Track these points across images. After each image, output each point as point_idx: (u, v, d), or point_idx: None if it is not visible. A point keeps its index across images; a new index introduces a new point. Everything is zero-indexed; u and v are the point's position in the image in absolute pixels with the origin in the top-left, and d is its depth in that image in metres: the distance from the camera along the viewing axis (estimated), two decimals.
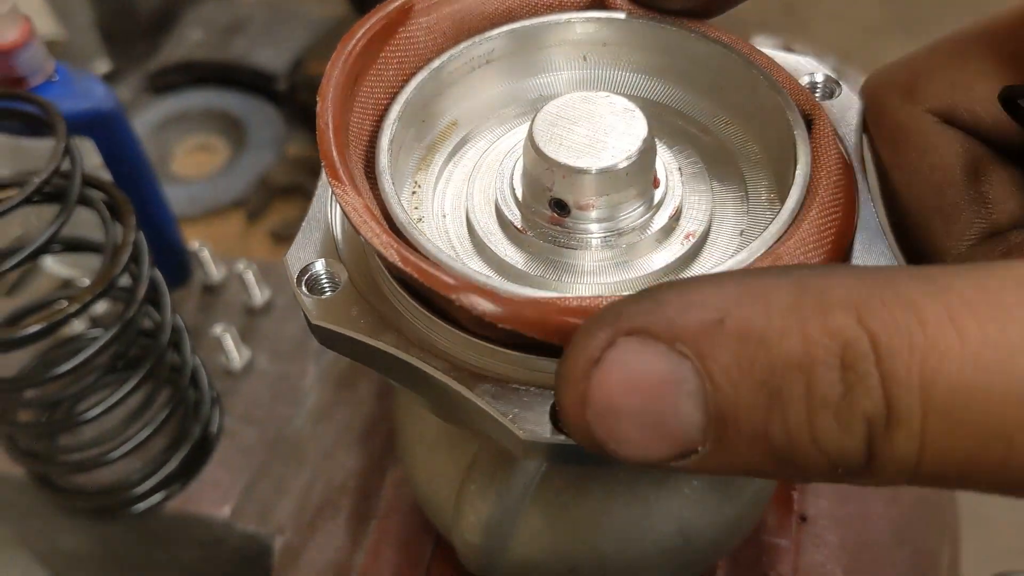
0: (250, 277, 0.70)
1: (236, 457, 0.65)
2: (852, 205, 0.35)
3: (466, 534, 0.41)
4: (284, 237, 1.01)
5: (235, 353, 0.68)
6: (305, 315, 0.35)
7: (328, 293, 0.35)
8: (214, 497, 0.63)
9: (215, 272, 0.72)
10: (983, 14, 0.37)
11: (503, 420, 0.32)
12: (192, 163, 1.11)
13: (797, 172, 0.35)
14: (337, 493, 0.56)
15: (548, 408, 0.32)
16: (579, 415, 0.26)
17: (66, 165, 0.53)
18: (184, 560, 0.69)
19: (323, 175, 0.38)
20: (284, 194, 1.06)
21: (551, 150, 0.35)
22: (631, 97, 0.41)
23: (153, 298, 0.59)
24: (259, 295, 0.71)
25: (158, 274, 0.59)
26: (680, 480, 0.42)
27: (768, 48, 0.41)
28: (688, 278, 0.27)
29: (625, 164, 0.35)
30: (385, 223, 0.34)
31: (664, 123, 0.41)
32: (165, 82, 1.18)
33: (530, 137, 0.36)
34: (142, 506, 0.63)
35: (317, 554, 0.54)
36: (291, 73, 1.11)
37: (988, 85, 0.36)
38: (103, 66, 1.20)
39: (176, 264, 0.71)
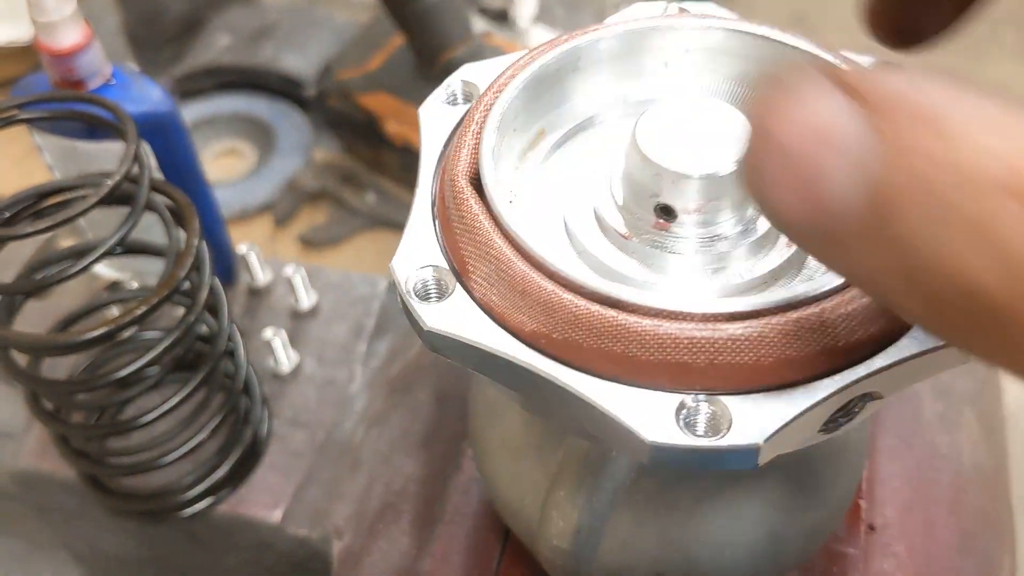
0: (298, 281, 0.70)
1: (286, 461, 0.65)
2: None
3: (555, 540, 0.41)
4: (312, 242, 1.01)
5: (284, 357, 0.68)
6: (416, 322, 0.35)
7: (436, 299, 0.35)
8: (264, 501, 0.63)
9: (261, 275, 0.72)
10: (993, 24, 0.37)
11: (628, 425, 0.32)
12: (220, 168, 1.11)
13: None
14: (398, 498, 0.55)
15: (674, 412, 0.32)
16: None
17: (134, 169, 0.53)
18: (227, 564, 0.68)
19: (420, 181, 0.39)
20: (312, 199, 1.06)
21: (657, 155, 0.36)
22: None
23: (212, 304, 0.59)
24: (306, 299, 0.71)
25: (217, 281, 0.59)
26: (769, 484, 0.42)
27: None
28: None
29: (731, 169, 0.36)
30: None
31: None
32: (192, 87, 1.18)
33: (634, 142, 0.36)
34: (191, 510, 0.63)
35: (380, 559, 0.54)
36: (319, 79, 1.11)
37: None
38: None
39: (224, 267, 0.71)
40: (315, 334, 0.70)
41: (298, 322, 0.71)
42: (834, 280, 0.33)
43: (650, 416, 0.32)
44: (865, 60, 0.42)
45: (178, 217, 0.56)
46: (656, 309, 0.32)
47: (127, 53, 1.22)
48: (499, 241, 0.34)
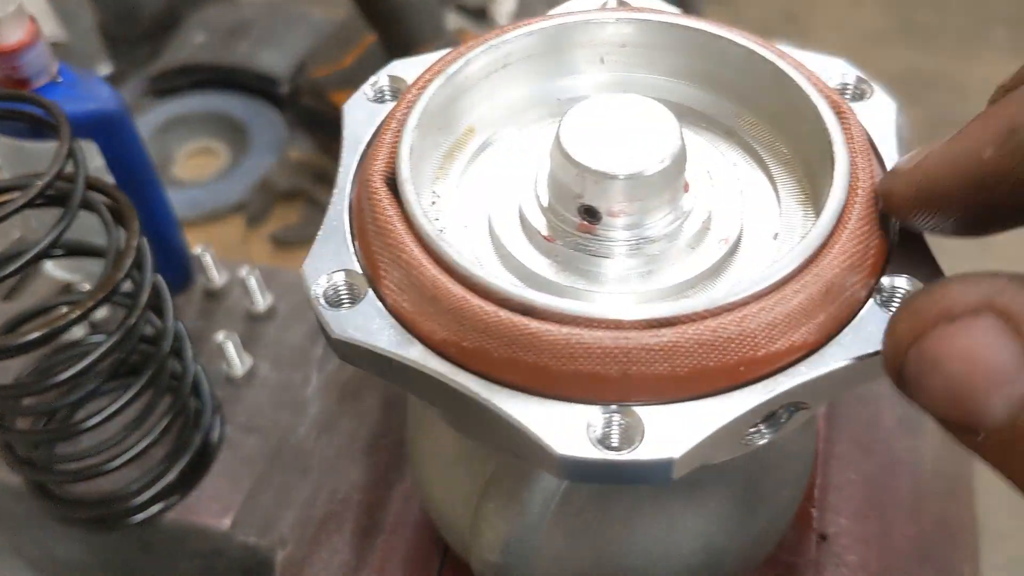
0: (252, 283, 0.69)
1: (237, 467, 0.63)
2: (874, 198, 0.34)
3: (485, 553, 0.40)
4: (285, 242, 1.00)
5: (237, 361, 0.66)
6: (324, 330, 0.33)
7: (347, 306, 0.34)
8: (214, 508, 0.62)
9: (217, 277, 0.71)
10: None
11: (540, 437, 0.30)
12: (193, 167, 1.09)
13: (836, 173, 0.34)
14: (342, 506, 0.54)
15: (585, 425, 0.30)
16: (901, 347, 0.26)
17: (69, 168, 0.51)
18: (181, 570, 0.67)
19: (338, 182, 0.37)
20: (285, 198, 1.04)
21: (581, 155, 0.34)
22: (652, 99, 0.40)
23: (155, 304, 0.57)
24: (261, 301, 0.70)
25: (160, 280, 0.58)
26: (706, 495, 0.41)
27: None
28: None
29: (658, 169, 0.34)
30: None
31: (689, 126, 0.40)
32: (167, 85, 1.16)
33: (558, 141, 0.35)
34: (140, 517, 0.62)
35: (321, 569, 0.52)
36: (293, 76, 1.10)
37: None
38: (105, 69, 1.19)
39: (178, 269, 0.70)
40: (271, 337, 0.69)
41: (254, 325, 0.70)
42: (756, 285, 0.31)
43: (560, 429, 0.30)
44: (836, 64, 0.40)
45: (118, 216, 0.54)
46: (569, 316, 0.31)
47: (102, 51, 1.21)
48: (411, 244, 0.33)
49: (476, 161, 0.40)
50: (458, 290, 0.32)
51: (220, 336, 0.65)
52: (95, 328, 0.67)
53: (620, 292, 0.35)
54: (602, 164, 0.34)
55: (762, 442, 0.34)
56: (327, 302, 0.34)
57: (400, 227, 0.33)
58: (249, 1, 1.23)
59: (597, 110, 0.35)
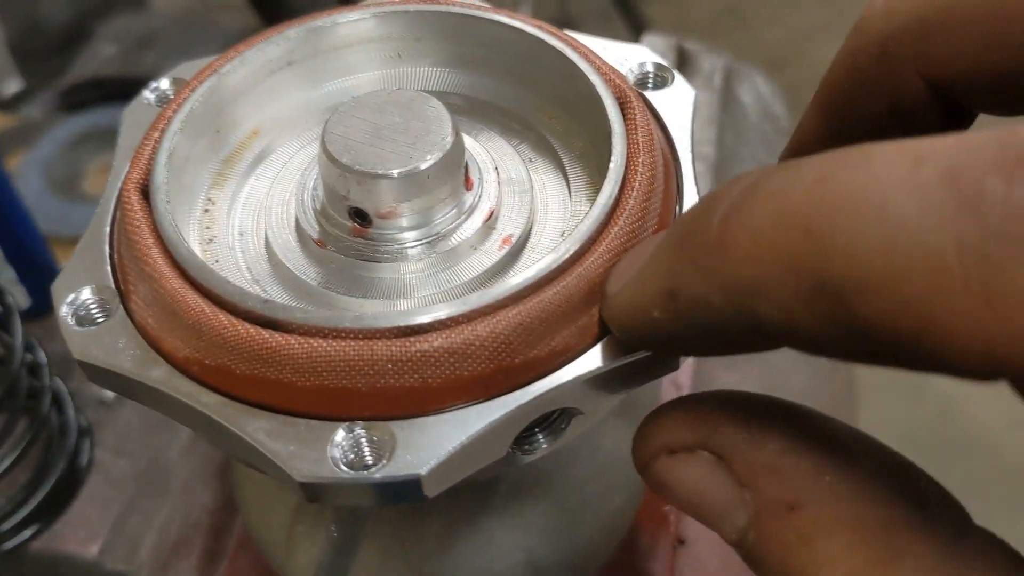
0: None
1: (107, 491, 0.61)
2: (671, 195, 0.32)
3: None
4: None
5: None
6: (71, 350, 0.31)
7: (100, 323, 0.32)
8: (82, 535, 0.60)
9: None
10: None
11: (276, 460, 0.28)
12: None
13: (610, 167, 0.32)
14: (193, 530, 0.52)
15: (329, 443, 0.28)
16: (640, 465, 0.28)
17: None
18: None
19: (105, 191, 0.35)
20: None
21: (344, 155, 0.32)
22: (445, 94, 0.38)
23: (2, 320, 0.55)
24: None
25: (5, 294, 0.56)
26: (524, 507, 0.39)
27: (658, 44, 0.38)
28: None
29: (427, 166, 0.32)
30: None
31: (485, 119, 0.38)
32: (77, 99, 1.14)
33: (322, 141, 0.33)
34: (8, 545, 0.59)
35: None
36: None
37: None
38: (15, 85, 1.17)
39: (45, 286, 0.68)
40: None
41: None
42: (513, 287, 0.29)
43: (302, 451, 0.28)
44: (637, 52, 0.38)
45: None
46: (313, 328, 0.29)
47: (11, 66, 1.18)
48: (156, 256, 0.31)
49: (261, 165, 0.38)
50: (199, 303, 0.30)
51: None
52: None
53: (394, 298, 0.33)
54: (366, 164, 0.32)
55: (543, 450, 0.32)
56: (78, 320, 0.32)
57: (148, 238, 0.31)
58: (160, 11, 1.21)
59: (367, 107, 0.33)
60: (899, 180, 0.19)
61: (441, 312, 0.29)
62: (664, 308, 0.24)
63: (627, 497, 0.42)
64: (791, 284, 0.20)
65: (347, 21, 0.38)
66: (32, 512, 0.59)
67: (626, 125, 0.33)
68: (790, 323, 0.21)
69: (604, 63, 0.36)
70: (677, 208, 0.34)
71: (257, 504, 0.41)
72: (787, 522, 0.23)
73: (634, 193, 0.31)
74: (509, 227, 0.35)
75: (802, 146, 0.31)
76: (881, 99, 0.27)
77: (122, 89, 1.12)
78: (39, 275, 0.67)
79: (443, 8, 0.38)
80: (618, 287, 0.27)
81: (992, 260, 0.18)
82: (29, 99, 1.14)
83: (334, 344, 0.28)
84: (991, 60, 0.24)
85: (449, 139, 0.33)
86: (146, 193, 0.33)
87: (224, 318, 0.29)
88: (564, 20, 1.75)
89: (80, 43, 1.18)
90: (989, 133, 0.19)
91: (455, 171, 0.33)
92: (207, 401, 0.30)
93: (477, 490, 0.39)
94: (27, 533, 0.59)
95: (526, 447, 0.32)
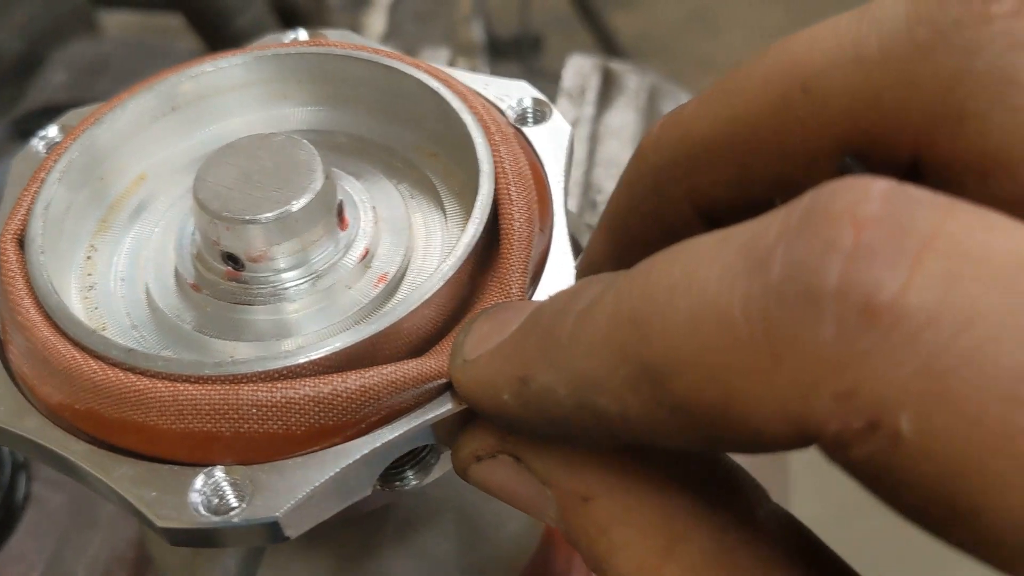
0: None
1: (44, 525, 0.61)
2: (528, 229, 0.33)
3: None
4: None
5: None
6: None
7: None
8: (20, 569, 0.60)
9: None
10: None
11: (139, 506, 0.29)
12: None
13: (476, 206, 0.33)
14: (117, 564, 0.52)
15: (190, 488, 0.29)
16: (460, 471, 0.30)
17: None
18: None
19: None
20: None
21: (213, 201, 0.33)
22: (330, 133, 0.39)
23: None
24: None
25: None
26: (418, 537, 0.39)
27: (585, 65, 0.38)
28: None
29: (296, 209, 0.33)
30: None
31: (367, 158, 0.39)
32: (31, 127, 1.14)
33: (194, 188, 0.33)
34: None
35: None
36: None
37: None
38: None
39: None
40: None
41: None
42: (376, 329, 0.30)
43: (164, 496, 0.29)
44: (518, 88, 0.39)
45: None
46: (177, 374, 0.29)
47: None
48: (28, 306, 0.31)
49: (146, 211, 0.38)
50: (70, 351, 0.30)
51: None
52: None
53: (272, 340, 0.34)
54: (235, 209, 0.33)
55: (413, 486, 0.32)
56: None
57: (21, 289, 0.32)
58: (112, 36, 1.21)
59: (238, 153, 0.34)
60: (707, 260, 0.20)
61: (312, 356, 0.29)
62: (514, 393, 0.25)
63: (524, 523, 0.42)
64: (621, 372, 0.22)
65: (217, 68, 0.38)
66: None
67: (494, 163, 0.34)
68: (624, 412, 0.22)
69: (481, 100, 0.37)
70: (550, 238, 0.34)
71: (159, 543, 0.42)
72: (584, 513, 0.25)
73: (505, 230, 0.32)
74: (385, 265, 0.35)
75: (591, 265, 0.34)
76: (656, 223, 0.29)
77: None
78: None
79: (313, 50, 0.38)
80: (475, 355, 0.28)
81: (772, 316, 0.19)
82: None
83: (199, 388, 0.29)
84: (742, 188, 0.27)
85: (319, 182, 0.33)
86: (23, 243, 0.33)
87: (95, 363, 0.30)
88: (525, 34, 1.75)
89: (32, 71, 1.18)
90: (784, 205, 0.20)
91: (326, 213, 0.34)
92: (76, 449, 0.30)
93: (371, 520, 0.39)
94: None
95: (396, 483, 0.32)
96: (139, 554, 0.53)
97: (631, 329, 0.21)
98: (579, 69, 0.69)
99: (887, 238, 0.18)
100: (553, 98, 0.73)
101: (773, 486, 0.51)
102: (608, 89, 0.68)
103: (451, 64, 0.84)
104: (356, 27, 1.30)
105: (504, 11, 1.79)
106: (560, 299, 0.25)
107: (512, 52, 1.73)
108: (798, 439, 0.19)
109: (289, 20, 1.12)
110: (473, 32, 1.54)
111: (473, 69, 0.54)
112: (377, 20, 1.27)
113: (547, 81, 0.76)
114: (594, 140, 0.66)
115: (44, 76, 1.18)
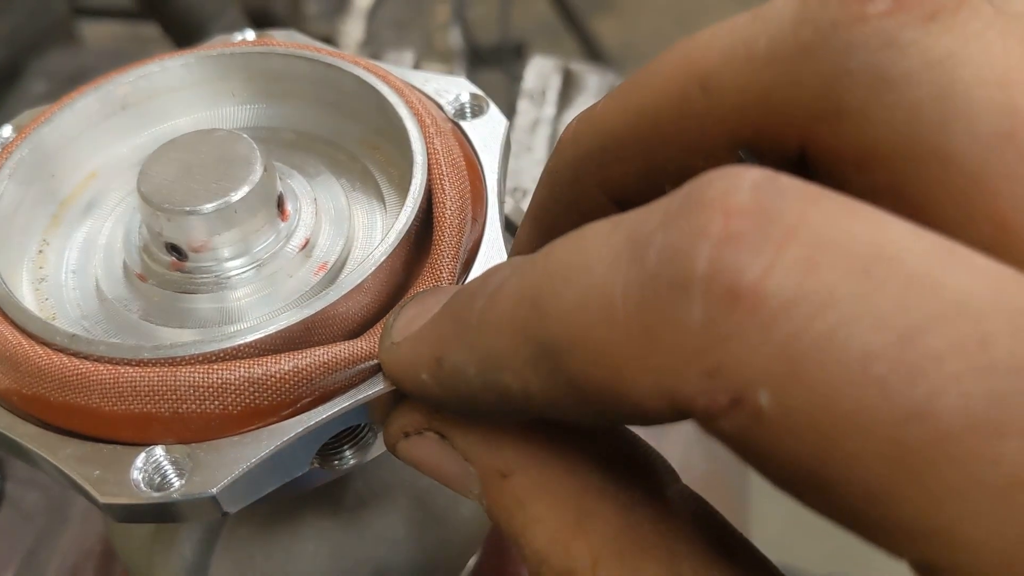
0: None
1: (18, 524, 0.62)
2: (460, 218, 0.34)
3: None
4: None
5: None
6: None
7: None
8: None
9: None
10: None
11: (83, 484, 0.30)
12: None
13: (408, 199, 0.34)
14: (85, 558, 0.53)
15: (131, 466, 0.30)
16: (390, 445, 0.31)
17: None
18: None
19: None
20: None
21: (156, 194, 0.34)
22: (276, 129, 0.40)
23: None
24: None
25: None
26: (371, 518, 0.41)
27: (546, 65, 0.39)
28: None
29: (236, 200, 0.34)
30: None
31: (312, 152, 0.40)
32: None
33: (138, 181, 0.35)
34: None
35: None
36: None
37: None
38: None
39: None
40: None
41: None
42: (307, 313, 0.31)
43: (106, 474, 0.30)
44: (457, 84, 0.40)
45: None
46: (118, 357, 0.31)
47: None
48: None
49: (97, 207, 0.40)
50: (17, 337, 0.32)
51: None
52: None
53: (214, 326, 0.35)
54: (176, 201, 0.34)
55: (351, 464, 0.34)
56: None
57: None
58: (92, 47, 1.22)
59: (181, 148, 0.35)
60: (599, 244, 0.22)
61: (247, 338, 0.31)
62: (431, 373, 0.27)
63: (476, 507, 0.43)
64: (522, 351, 0.23)
65: (164, 69, 0.40)
66: None
67: (428, 154, 0.35)
68: (526, 388, 0.23)
69: (418, 95, 0.38)
70: (482, 229, 0.36)
71: (119, 528, 0.43)
72: (503, 488, 0.26)
73: (437, 219, 0.33)
74: (325, 254, 0.37)
75: (519, 254, 0.35)
76: (575, 212, 0.30)
77: None
78: None
79: (256, 49, 0.40)
80: (401, 337, 0.29)
81: (646, 299, 0.20)
82: None
83: (139, 371, 0.30)
84: (650, 178, 0.28)
85: (257, 174, 0.35)
86: None
87: (40, 349, 0.31)
88: (506, 41, 1.76)
89: (14, 81, 1.20)
90: (668, 194, 0.22)
91: (266, 203, 0.35)
92: (23, 431, 0.32)
93: (325, 503, 0.41)
94: None
95: (335, 461, 0.34)
96: (105, 547, 0.54)
97: (531, 309, 0.23)
98: (540, 70, 0.71)
99: (754, 226, 0.19)
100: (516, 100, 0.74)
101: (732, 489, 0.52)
102: (568, 89, 0.69)
103: (416, 67, 0.85)
104: (334, 34, 1.31)
105: (486, 19, 1.81)
106: (474, 283, 0.26)
107: (494, 60, 1.74)
108: (674, 413, 0.20)
109: (264, 28, 1.13)
110: (451, 39, 1.55)
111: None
112: (355, 27, 1.29)
113: None
114: (554, 140, 0.67)
115: (23, 86, 1.19)
